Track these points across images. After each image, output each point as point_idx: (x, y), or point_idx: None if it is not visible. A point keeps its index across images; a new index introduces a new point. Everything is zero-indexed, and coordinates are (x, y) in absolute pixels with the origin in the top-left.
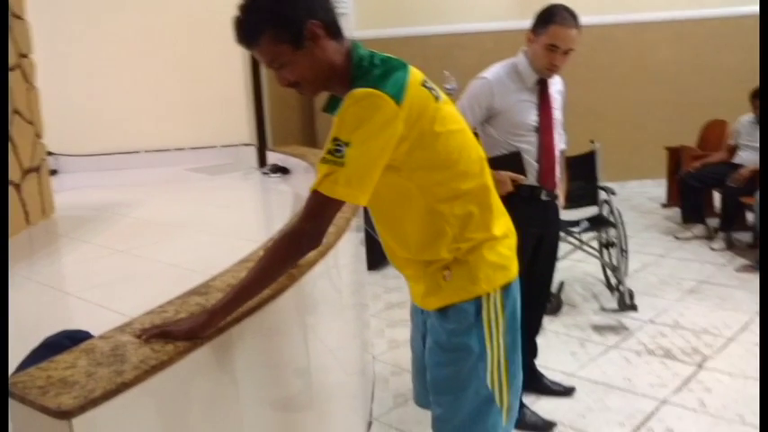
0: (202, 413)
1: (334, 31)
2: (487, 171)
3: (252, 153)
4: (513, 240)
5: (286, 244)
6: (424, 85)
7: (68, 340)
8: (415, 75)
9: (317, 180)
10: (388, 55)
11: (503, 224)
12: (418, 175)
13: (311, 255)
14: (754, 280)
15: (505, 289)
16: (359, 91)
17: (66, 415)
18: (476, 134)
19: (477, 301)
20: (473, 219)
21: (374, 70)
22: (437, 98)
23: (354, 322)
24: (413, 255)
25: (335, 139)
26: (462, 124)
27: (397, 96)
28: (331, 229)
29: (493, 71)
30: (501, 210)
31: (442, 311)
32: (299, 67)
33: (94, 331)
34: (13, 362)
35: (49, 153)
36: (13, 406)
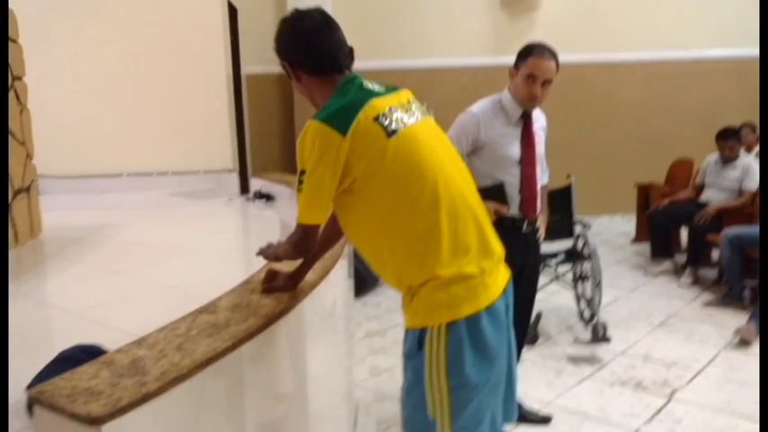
0: (210, 425)
1: (313, 70)
2: (447, 208)
3: (234, 179)
4: (478, 280)
5: (293, 250)
6: (377, 120)
7: (84, 354)
8: (372, 109)
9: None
10: (366, 86)
11: (467, 262)
12: (371, 203)
13: (305, 284)
14: (719, 315)
15: (452, 326)
16: (310, 124)
17: (96, 421)
18: None
19: (422, 333)
20: (414, 259)
21: (337, 102)
22: (391, 133)
23: (342, 350)
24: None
25: (301, 171)
26: (417, 159)
27: (342, 129)
28: (319, 264)
29: (479, 106)
30: (466, 247)
31: (406, 330)
32: (295, 89)
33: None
34: (18, 376)
35: None
36: (41, 413)
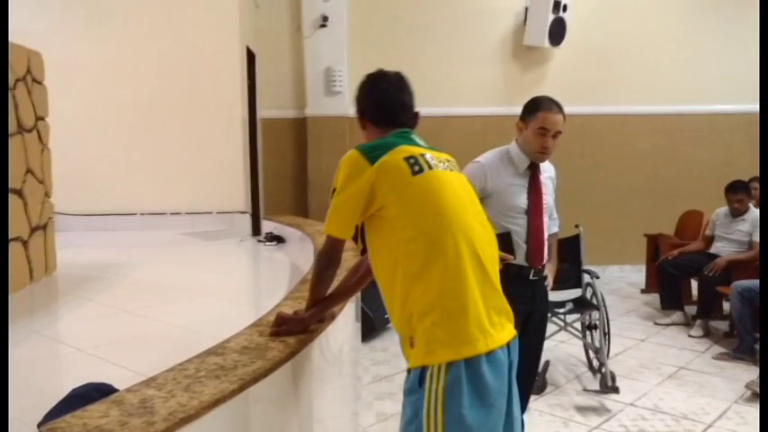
0: None
1: (376, 121)
2: (454, 247)
3: (246, 221)
4: (479, 324)
5: (317, 262)
6: (406, 160)
7: (96, 392)
8: (403, 151)
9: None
10: (410, 137)
11: (468, 303)
12: (394, 226)
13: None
14: (730, 368)
15: (451, 365)
16: (350, 152)
17: None
18: None
19: (424, 370)
20: (419, 283)
21: (378, 141)
22: (417, 172)
23: (348, 394)
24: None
25: (333, 189)
26: (437, 195)
27: (371, 159)
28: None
29: (487, 156)
30: (469, 288)
31: (408, 370)
32: (361, 135)
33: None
34: (29, 412)
35: None
36: None
